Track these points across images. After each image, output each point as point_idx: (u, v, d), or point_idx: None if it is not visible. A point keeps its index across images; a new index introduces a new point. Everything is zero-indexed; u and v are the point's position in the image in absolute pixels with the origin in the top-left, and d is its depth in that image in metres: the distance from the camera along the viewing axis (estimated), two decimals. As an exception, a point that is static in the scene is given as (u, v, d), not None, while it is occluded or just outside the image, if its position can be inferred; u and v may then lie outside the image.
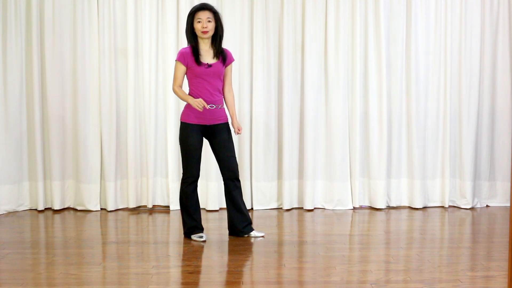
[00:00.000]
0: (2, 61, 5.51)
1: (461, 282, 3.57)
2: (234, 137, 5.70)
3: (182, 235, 4.64)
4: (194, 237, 4.53)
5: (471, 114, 5.76)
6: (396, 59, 5.72)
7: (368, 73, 5.71)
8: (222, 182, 4.62)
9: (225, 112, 4.53)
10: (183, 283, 3.62)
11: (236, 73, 5.68)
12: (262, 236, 4.61)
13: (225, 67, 4.49)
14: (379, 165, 5.72)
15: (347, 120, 5.73)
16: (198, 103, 4.26)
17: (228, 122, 4.55)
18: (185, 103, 4.46)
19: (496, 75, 5.80)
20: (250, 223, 4.62)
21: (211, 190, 5.61)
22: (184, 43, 5.37)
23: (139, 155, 5.70)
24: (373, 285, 3.51)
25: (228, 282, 3.59)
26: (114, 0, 5.59)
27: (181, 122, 4.44)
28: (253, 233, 4.61)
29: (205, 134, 4.48)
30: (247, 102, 5.69)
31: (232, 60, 4.53)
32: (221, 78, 4.47)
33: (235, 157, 4.54)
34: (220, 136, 4.48)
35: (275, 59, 5.71)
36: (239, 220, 4.57)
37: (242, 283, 3.58)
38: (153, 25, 5.60)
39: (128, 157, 5.65)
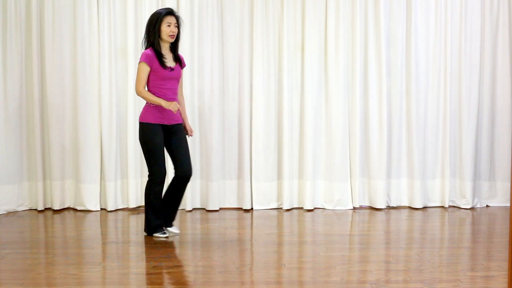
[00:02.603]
0: (2, 61, 5.51)
1: (461, 282, 3.57)
2: (233, 138, 5.73)
3: (182, 235, 4.64)
4: (156, 234, 4.61)
5: (471, 114, 5.76)
6: (396, 59, 5.72)
7: (368, 73, 5.71)
8: (188, 179, 4.59)
9: (180, 113, 4.62)
10: (183, 283, 3.62)
11: (236, 73, 5.68)
12: (177, 234, 4.68)
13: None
14: (379, 165, 5.72)
15: (347, 120, 5.73)
16: (174, 106, 4.38)
17: (183, 124, 4.66)
18: (144, 104, 4.52)
19: (496, 75, 5.81)
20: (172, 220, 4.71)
21: (211, 190, 5.61)
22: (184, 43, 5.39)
23: (139, 155, 5.69)
24: (373, 285, 3.52)
25: (228, 282, 3.59)
26: (114, 0, 5.59)
27: (143, 123, 4.45)
28: (172, 229, 4.68)
29: (165, 134, 4.52)
30: (247, 102, 5.68)
31: (185, 65, 4.66)
32: (178, 81, 4.58)
33: (190, 158, 4.59)
34: (177, 135, 4.57)
35: (275, 59, 5.71)
36: (169, 214, 4.63)
37: (242, 283, 3.58)
38: (153, 25, 5.59)
39: (128, 157, 5.65)
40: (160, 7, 5.59)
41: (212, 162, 5.57)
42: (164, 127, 4.51)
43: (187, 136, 4.70)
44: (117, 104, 5.65)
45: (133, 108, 5.62)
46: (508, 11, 5.76)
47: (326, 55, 5.71)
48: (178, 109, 4.48)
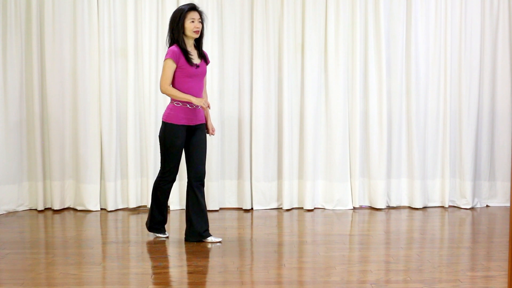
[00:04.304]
0: (2, 61, 5.51)
1: (461, 282, 3.57)
2: (233, 138, 5.73)
3: (182, 235, 4.63)
4: (157, 234, 4.62)
5: (471, 114, 5.76)
6: (396, 59, 5.72)
7: (368, 73, 5.71)
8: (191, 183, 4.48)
9: (203, 112, 4.54)
10: (183, 283, 3.62)
11: (236, 73, 5.69)
12: (219, 242, 4.51)
13: None
14: (379, 165, 5.72)
15: (347, 120, 5.73)
16: (204, 102, 4.32)
17: (205, 123, 4.57)
18: (168, 103, 4.45)
19: (496, 75, 5.80)
20: (208, 228, 4.56)
21: (211, 190, 5.61)
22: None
23: (139, 155, 5.70)
24: (373, 285, 3.52)
25: (228, 282, 3.59)
26: (114, 0, 5.59)
27: (167, 123, 4.35)
28: (210, 239, 4.51)
29: (187, 134, 4.44)
30: (247, 102, 5.68)
31: (209, 61, 4.56)
32: (203, 78, 4.48)
33: (205, 162, 4.51)
34: (198, 135, 4.47)
35: (275, 59, 5.71)
36: (200, 223, 4.48)
37: (242, 283, 3.58)
38: (153, 25, 5.60)
39: (128, 157, 5.65)
40: (160, 7, 5.60)
41: (212, 162, 5.57)
42: (188, 128, 4.42)
43: (208, 135, 4.61)
44: (117, 104, 5.64)
45: (133, 108, 5.62)
46: (508, 11, 5.76)
47: (326, 55, 5.71)
48: (202, 108, 4.41)
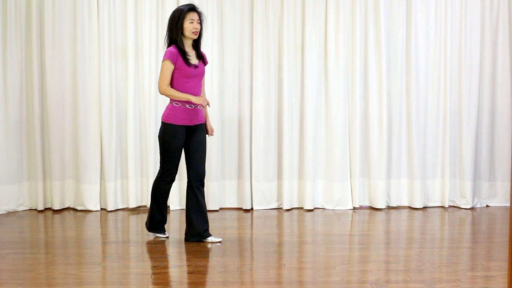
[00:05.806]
0: (2, 61, 5.51)
1: (461, 282, 3.57)
2: (233, 138, 5.73)
3: (182, 235, 4.63)
4: (157, 234, 4.63)
5: (471, 114, 5.76)
6: (396, 59, 5.72)
7: (368, 73, 5.71)
8: (191, 183, 4.48)
9: (203, 112, 4.55)
10: (183, 283, 3.62)
11: (236, 73, 5.69)
12: (220, 242, 4.51)
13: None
14: (379, 165, 5.72)
15: (347, 120, 5.73)
16: (204, 100, 4.32)
17: (205, 123, 4.57)
18: (167, 104, 4.45)
19: (496, 75, 5.81)
20: (208, 228, 4.56)
21: (211, 190, 5.61)
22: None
23: (139, 155, 5.70)
24: (373, 285, 3.52)
25: (228, 282, 3.59)
26: (114, 0, 5.59)
27: (167, 124, 4.36)
28: (210, 239, 4.52)
29: (186, 134, 4.44)
30: (247, 102, 5.69)
31: (207, 62, 4.56)
32: (202, 79, 4.49)
33: (205, 162, 4.52)
34: (198, 135, 4.47)
35: (275, 59, 5.71)
36: (200, 223, 4.49)
37: (242, 283, 3.58)
38: (153, 25, 5.60)
39: (128, 157, 5.65)
40: (159, 7, 5.60)
41: (212, 162, 5.57)
42: (188, 128, 4.42)
43: (207, 135, 4.61)
44: (117, 104, 5.65)
45: (133, 108, 5.62)
46: (508, 11, 5.76)
47: (326, 55, 5.71)
48: (202, 106, 4.41)
